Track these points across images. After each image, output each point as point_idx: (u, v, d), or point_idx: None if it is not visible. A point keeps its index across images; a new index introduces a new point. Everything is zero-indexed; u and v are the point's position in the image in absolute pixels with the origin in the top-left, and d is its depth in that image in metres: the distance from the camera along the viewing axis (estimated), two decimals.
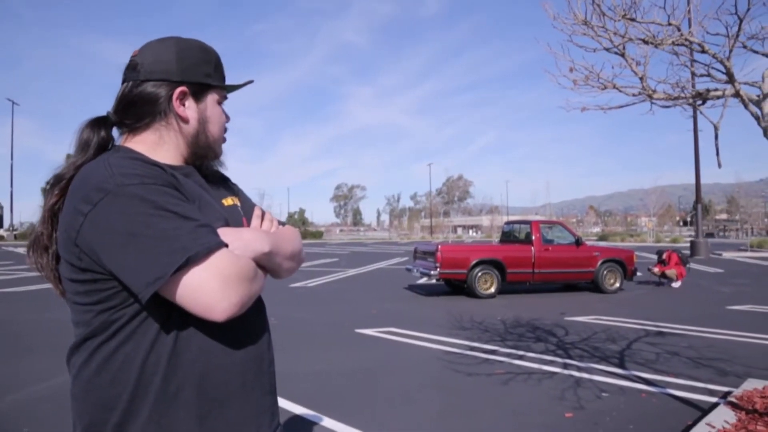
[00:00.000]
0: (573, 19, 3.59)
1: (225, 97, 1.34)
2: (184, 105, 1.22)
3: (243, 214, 1.33)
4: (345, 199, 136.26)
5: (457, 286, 12.48)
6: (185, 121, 1.23)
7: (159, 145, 1.22)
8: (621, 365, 5.67)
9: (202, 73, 1.24)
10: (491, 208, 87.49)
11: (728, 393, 4.56)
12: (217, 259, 1.03)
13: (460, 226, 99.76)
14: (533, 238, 12.20)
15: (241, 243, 1.13)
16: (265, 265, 1.20)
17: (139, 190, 1.03)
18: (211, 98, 1.27)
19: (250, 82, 1.38)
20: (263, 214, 1.35)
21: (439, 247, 11.77)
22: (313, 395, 4.67)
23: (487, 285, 11.61)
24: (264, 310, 1.31)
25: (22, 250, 32.84)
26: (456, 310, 9.70)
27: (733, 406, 4.08)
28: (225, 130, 1.34)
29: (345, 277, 16.28)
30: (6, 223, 62.83)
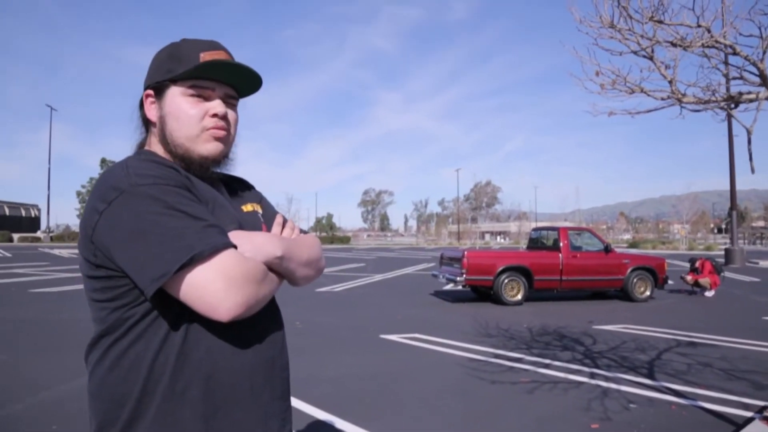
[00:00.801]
0: (599, 22, 3.53)
1: (209, 88, 1.23)
2: (150, 108, 1.26)
3: (264, 221, 1.35)
4: (372, 204, 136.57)
5: (483, 293, 12.37)
6: (153, 123, 1.26)
7: (156, 148, 1.27)
8: (650, 376, 5.53)
9: (163, 70, 1.22)
10: (519, 214, 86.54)
11: (764, 408, 4.41)
12: (223, 259, 1.05)
13: (487, 232, 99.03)
14: (561, 244, 12.02)
15: (252, 246, 1.14)
16: (279, 270, 1.20)
17: (151, 190, 1.06)
18: (172, 93, 1.22)
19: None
20: (284, 221, 1.36)
21: (466, 253, 11.68)
22: (334, 399, 4.66)
23: (514, 292, 11.47)
24: (278, 313, 1.32)
25: (58, 252, 33.70)
26: (482, 317, 9.61)
27: None
28: (198, 123, 1.22)
29: (371, 282, 16.28)
30: (43, 225, 64.67)
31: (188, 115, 1.21)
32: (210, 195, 1.22)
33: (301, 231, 1.39)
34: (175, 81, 1.21)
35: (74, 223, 75.78)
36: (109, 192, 1.07)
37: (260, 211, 1.38)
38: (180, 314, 1.10)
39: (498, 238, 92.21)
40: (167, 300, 1.07)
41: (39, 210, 74.20)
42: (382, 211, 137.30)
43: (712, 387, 5.12)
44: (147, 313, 1.10)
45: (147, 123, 1.29)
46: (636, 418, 4.31)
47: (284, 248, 1.20)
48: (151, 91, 1.25)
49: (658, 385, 5.17)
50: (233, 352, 1.15)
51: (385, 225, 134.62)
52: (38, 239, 54.24)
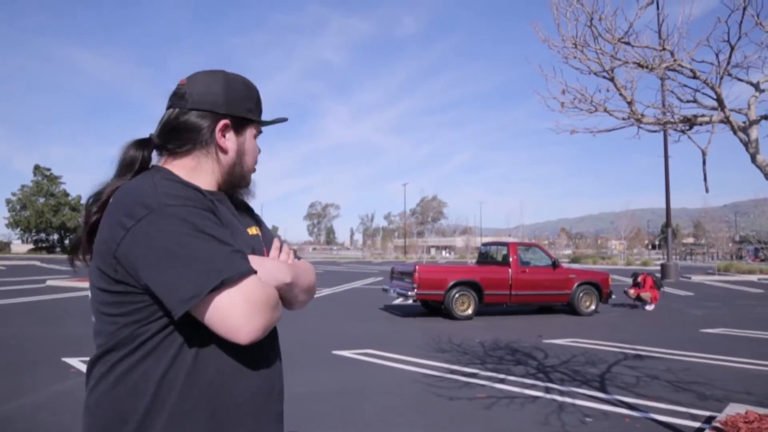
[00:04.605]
0: (562, 42, 3.60)
1: (260, 131, 1.40)
2: (225, 137, 1.30)
3: (264, 244, 1.39)
4: (319, 217, 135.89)
5: (433, 308, 12.39)
6: (225, 151, 1.30)
7: (196, 171, 1.29)
8: (602, 389, 5.64)
9: (245, 108, 1.32)
10: (465, 228, 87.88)
11: (711, 418, 4.55)
12: (248, 284, 1.09)
13: (433, 246, 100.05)
14: (510, 260, 12.22)
15: (265, 271, 1.18)
16: (284, 295, 1.25)
17: (181, 211, 1.10)
18: (250, 132, 1.34)
19: (284, 119, 1.43)
20: (281, 246, 1.40)
21: (417, 267, 11.70)
22: (292, 419, 4.49)
23: (465, 306, 11.56)
24: (277, 338, 1.35)
25: None
26: (434, 332, 9.61)
27: (718, 431, 4.06)
28: (256, 161, 1.40)
29: (320, 297, 16.07)
30: None
31: (256, 153, 1.39)
32: (228, 219, 1.27)
33: (295, 256, 1.42)
34: (252, 121, 1.35)
35: (2, 233, 71.75)
36: (137, 209, 1.09)
37: (260, 234, 1.41)
38: (193, 334, 1.12)
39: (444, 252, 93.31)
40: (183, 320, 1.09)
41: None
42: (329, 225, 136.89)
43: (661, 399, 5.26)
44: (160, 330, 1.12)
45: (185, 142, 1.27)
46: (593, 431, 4.36)
47: (293, 275, 1.26)
48: (228, 121, 1.29)
49: (611, 398, 5.27)
50: (242, 374, 1.18)
51: (331, 238, 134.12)
52: None
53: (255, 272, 1.13)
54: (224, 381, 1.15)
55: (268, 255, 1.34)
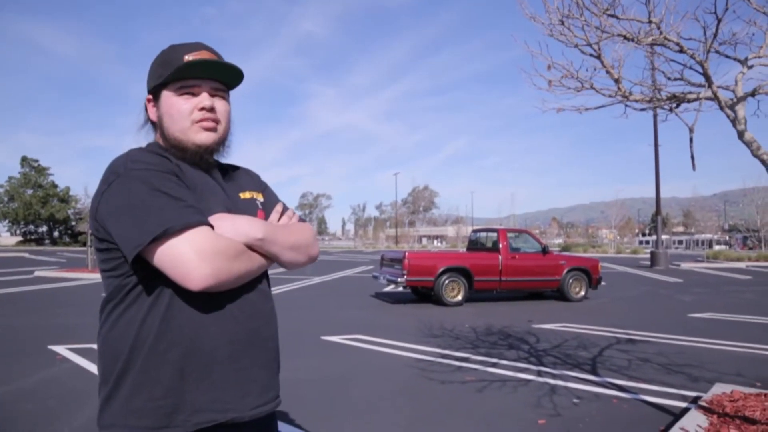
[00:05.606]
0: (549, 19, 3.55)
1: (195, 85, 1.38)
2: (153, 110, 1.43)
3: (263, 208, 1.50)
4: (310, 207, 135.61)
5: (423, 294, 12.40)
6: (154, 122, 1.45)
7: (161, 142, 1.44)
8: (594, 372, 5.65)
9: (156, 76, 1.40)
10: (456, 218, 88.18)
11: (698, 398, 4.57)
12: (194, 234, 1.21)
13: (425, 236, 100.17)
14: (500, 246, 12.21)
15: (233, 227, 1.30)
16: (261, 251, 1.35)
17: (142, 174, 1.25)
18: (165, 95, 1.39)
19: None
20: (284, 210, 1.52)
21: (407, 254, 11.67)
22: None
23: (455, 293, 11.56)
24: (268, 292, 1.45)
25: None
26: (424, 318, 9.61)
27: (705, 410, 4.07)
28: (188, 117, 1.37)
29: (310, 285, 16.03)
30: None
31: (180, 111, 1.37)
32: (200, 181, 1.38)
33: (300, 219, 1.54)
34: (165, 84, 1.38)
35: None
36: (110, 176, 1.27)
37: (260, 198, 1.53)
38: (165, 284, 1.26)
39: (435, 242, 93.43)
40: (154, 271, 1.24)
41: None
42: (320, 215, 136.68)
43: (652, 381, 5.28)
44: (139, 282, 1.27)
45: (153, 123, 1.46)
46: (581, 412, 4.36)
47: (266, 232, 1.35)
48: (149, 96, 1.43)
49: (602, 381, 5.28)
50: (214, 321, 1.29)
51: (322, 228, 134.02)
52: None
53: (206, 224, 1.25)
54: (196, 327, 1.28)
55: (266, 218, 1.47)
